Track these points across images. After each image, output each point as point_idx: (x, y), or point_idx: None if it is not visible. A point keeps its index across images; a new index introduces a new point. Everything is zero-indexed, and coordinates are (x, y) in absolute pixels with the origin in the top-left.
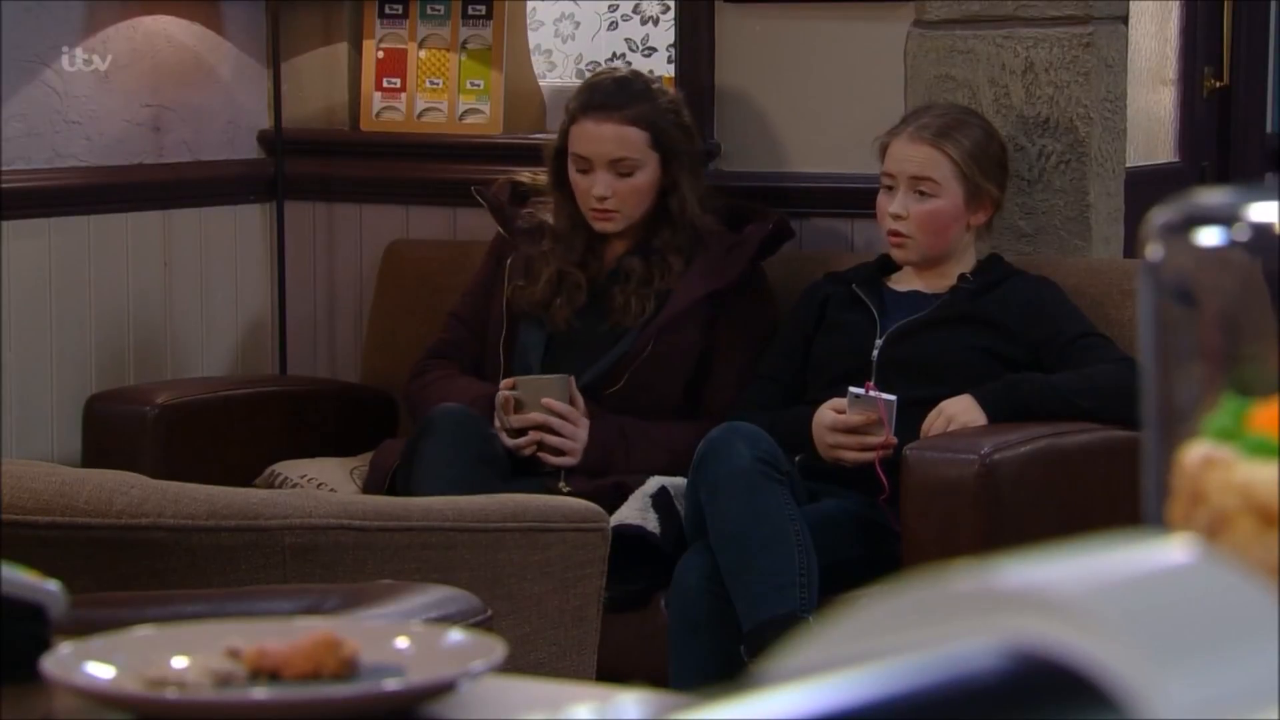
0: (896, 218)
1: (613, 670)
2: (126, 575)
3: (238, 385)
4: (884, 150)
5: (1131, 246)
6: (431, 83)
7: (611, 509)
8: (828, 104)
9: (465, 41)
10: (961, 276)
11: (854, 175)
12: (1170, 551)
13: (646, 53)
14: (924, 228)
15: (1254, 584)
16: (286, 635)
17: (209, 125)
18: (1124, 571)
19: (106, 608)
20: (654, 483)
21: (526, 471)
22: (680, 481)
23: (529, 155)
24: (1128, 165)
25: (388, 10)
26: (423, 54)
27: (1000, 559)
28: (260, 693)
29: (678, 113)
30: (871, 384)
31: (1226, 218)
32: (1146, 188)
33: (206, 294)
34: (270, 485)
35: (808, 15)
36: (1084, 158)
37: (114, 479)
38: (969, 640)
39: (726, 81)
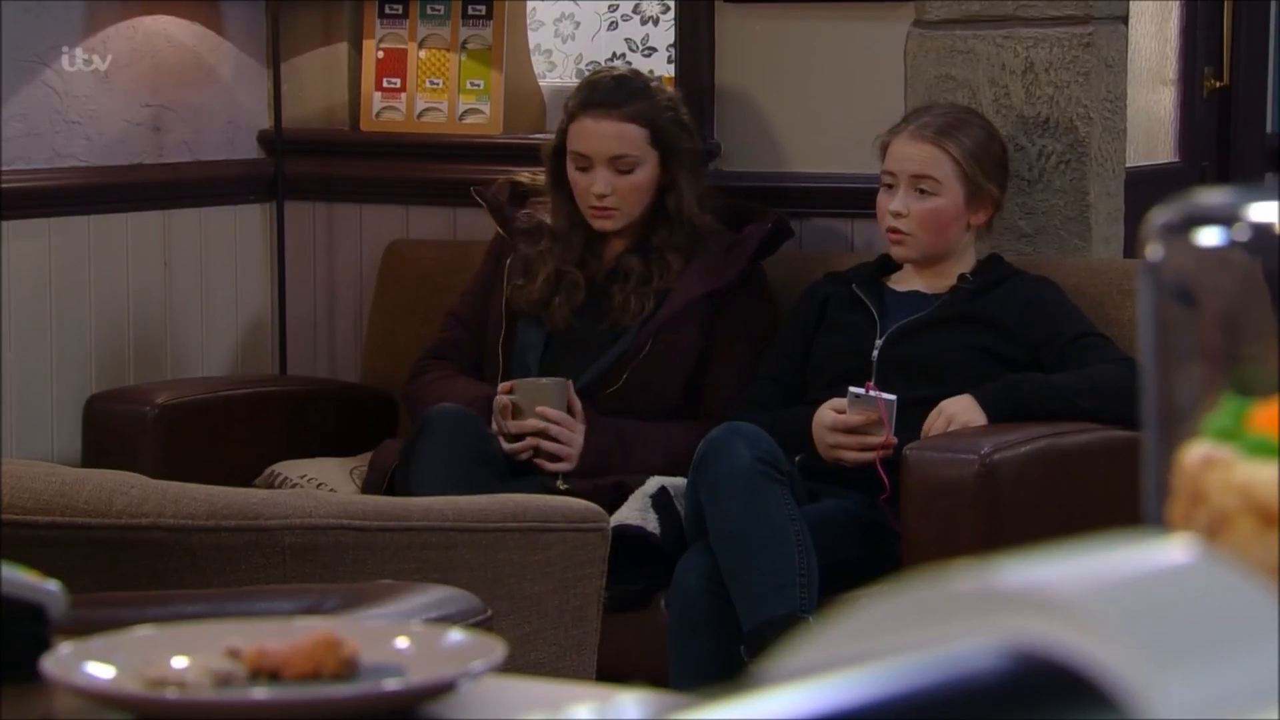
0: (897, 215)
1: (613, 670)
2: (126, 575)
3: (238, 385)
4: (884, 149)
5: (1131, 246)
6: (431, 83)
7: (611, 509)
8: (828, 104)
9: (465, 41)
10: (961, 276)
11: (854, 175)
12: (1170, 551)
13: (646, 53)
14: (924, 226)
15: (1254, 584)
16: (286, 635)
17: (209, 125)
18: (1124, 571)
19: (106, 608)
20: (654, 483)
21: (525, 471)
22: (680, 482)
23: (529, 155)
24: (1128, 165)
25: (388, 10)
26: (423, 54)
27: (1000, 559)
28: (260, 693)
29: (676, 110)
30: (871, 384)
31: (1226, 218)
32: (1146, 188)
33: (206, 294)
34: (270, 485)
35: (808, 15)
36: (1084, 158)
37: (114, 479)
38: (969, 640)
39: (726, 81)
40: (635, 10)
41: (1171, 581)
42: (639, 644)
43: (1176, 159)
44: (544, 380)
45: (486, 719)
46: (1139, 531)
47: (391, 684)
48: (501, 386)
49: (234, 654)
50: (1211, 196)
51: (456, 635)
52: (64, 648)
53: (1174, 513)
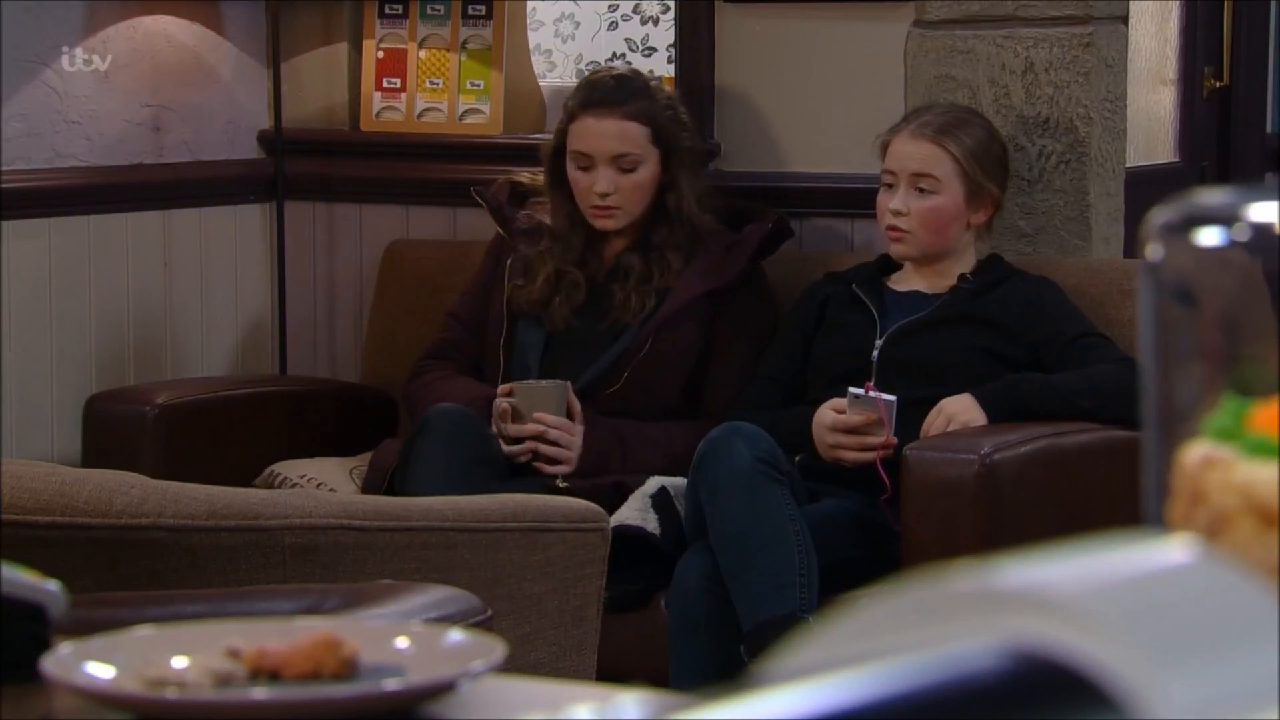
0: (897, 214)
1: (613, 670)
2: (126, 575)
3: (238, 385)
4: (885, 148)
5: (1131, 246)
6: (431, 83)
7: (611, 509)
8: (828, 104)
9: (465, 41)
10: (961, 276)
11: (854, 175)
12: (1170, 551)
13: (646, 53)
14: (924, 224)
15: (1254, 584)
16: (286, 635)
17: (209, 125)
18: (1124, 571)
19: (106, 608)
20: (654, 483)
21: (525, 471)
22: (680, 481)
23: (529, 155)
24: (1128, 165)
25: (388, 10)
26: (423, 54)
27: (1000, 559)
28: (260, 693)
29: (675, 110)
30: (871, 384)
31: (1226, 218)
32: (1146, 188)
33: (206, 294)
34: (270, 485)
35: (808, 15)
36: (1084, 158)
37: (114, 479)
38: (969, 640)
39: (726, 81)
40: (635, 10)
41: (1171, 581)
42: (639, 644)
43: (1176, 159)
44: (543, 383)
45: (486, 719)
46: (1139, 531)
47: (391, 684)
48: (500, 390)
49: (234, 654)
50: (1211, 196)
51: (456, 635)
52: (64, 648)
53: (1174, 513)
